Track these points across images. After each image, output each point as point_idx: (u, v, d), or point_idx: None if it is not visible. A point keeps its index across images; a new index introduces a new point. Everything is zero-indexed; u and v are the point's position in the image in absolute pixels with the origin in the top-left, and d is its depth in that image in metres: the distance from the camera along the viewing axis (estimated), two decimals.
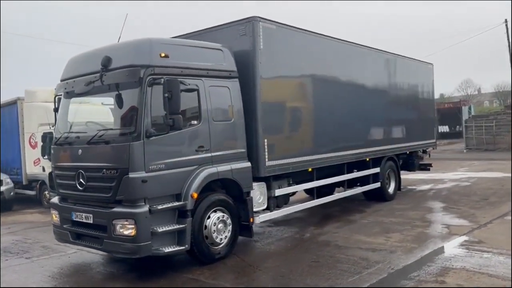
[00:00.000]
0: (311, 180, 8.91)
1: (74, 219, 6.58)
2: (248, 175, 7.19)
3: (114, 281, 6.23)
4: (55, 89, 7.10)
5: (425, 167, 13.83)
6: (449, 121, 44.13)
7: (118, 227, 5.92)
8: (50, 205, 7.17)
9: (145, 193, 5.89)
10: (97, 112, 7.29)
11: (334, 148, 9.12)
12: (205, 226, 6.57)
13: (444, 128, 45.44)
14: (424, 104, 13.28)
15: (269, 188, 7.80)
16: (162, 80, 5.91)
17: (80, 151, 6.45)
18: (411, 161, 13.28)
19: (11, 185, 13.76)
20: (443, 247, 7.02)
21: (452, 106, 45.14)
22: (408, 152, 12.60)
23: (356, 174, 10.05)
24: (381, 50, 10.88)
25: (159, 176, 6.02)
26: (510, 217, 8.76)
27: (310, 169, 8.64)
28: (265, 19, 7.55)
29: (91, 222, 6.31)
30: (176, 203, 6.20)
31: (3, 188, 13.45)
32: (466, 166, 19.63)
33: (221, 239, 6.74)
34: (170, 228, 6.07)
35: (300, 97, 8.44)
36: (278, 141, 7.77)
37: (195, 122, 6.56)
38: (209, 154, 6.67)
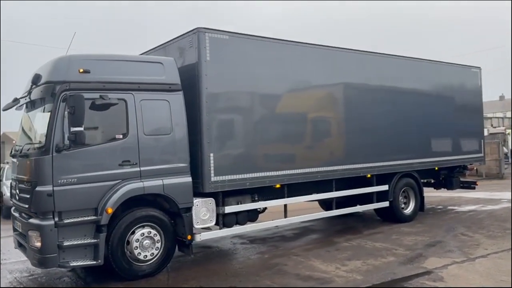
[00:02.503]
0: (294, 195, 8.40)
1: (15, 227, 7.00)
2: (185, 190, 6.93)
3: None
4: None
5: (469, 186, 12.13)
6: None
7: (32, 238, 6.12)
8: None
9: (52, 206, 5.97)
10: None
11: (312, 163, 8.40)
12: (128, 242, 6.50)
13: None
14: (463, 112, 11.62)
15: (222, 204, 7.46)
16: (65, 95, 6.01)
17: (17, 163, 6.85)
18: (449, 178, 11.81)
19: None
20: (387, 281, 6.06)
21: None
22: (436, 168, 11.17)
23: (344, 193, 9.11)
24: (370, 52, 9.58)
25: (70, 190, 6.06)
26: None
27: (278, 185, 8.10)
28: (213, 29, 7.28)
29: (21, 231, 6.64)
30: (88, 217, 6.21)
31: None
32: None
33: (146, 256, 6.59)
34: (78, 242, 6.10)
35: (262, 109, 7.87)
36: (228, 156, 7.40)
37: (121, 136, 6.53)
38: (136, 169, 6.57)
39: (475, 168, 12.67)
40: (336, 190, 8.99)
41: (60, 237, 6.02)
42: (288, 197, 8.29)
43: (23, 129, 7.30)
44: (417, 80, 10.57)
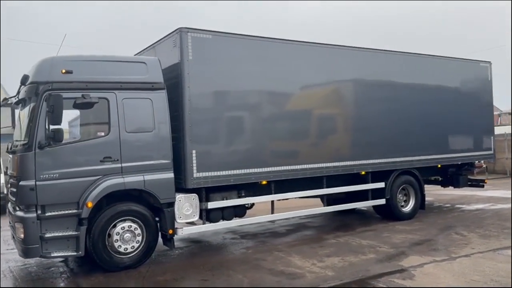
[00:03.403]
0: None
1: (9, 220, 7.42)
2: (167, 186, 7.14)
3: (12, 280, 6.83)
4: None
5: (477, 184, 11.80)
6: None
7: (17, 230, 6.51)
8: None
9: (35, 200, 6.31)
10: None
11: (300, 160, 8.45)
12: (109, 235, 6.78)
13: None
14: (471, 108, 11.31)
15: (206, 199, 7.64)
16: (48, 95, 6.33)
17: (10, 159, 7.27)
18: (456, 175, 11.54)
19: None
20: (357, 279, 6.07)
21: None
22: (439, 166, 10.93)
23: (334, 190, 9.04)
24: (365, 48, 9.53)
25: (52, 185, 6.38)
26: (507, 252, 7.11)
27: (265, 182, 8.20)
28: (195, 29, 7.45)
29: (11, 224, 7.06)
30: (70, 211, 6.52)
31: None
32: None
33: (126, 248, 6.85)
34: (60, 234, 6.43)
35: (246, 107, 8.01)
36: (212, 153, 7.57)
37: (102, 133, 6.81)
38: (117, 165, 6.82)
39: (484, 166, 12.29)
40: (329, 187, 9.00)
41: (43, 229, 6.36)
42: (276, 193, 8.38)
43: (19, 126, 7.72)
44: (418, 76, 10.38)
